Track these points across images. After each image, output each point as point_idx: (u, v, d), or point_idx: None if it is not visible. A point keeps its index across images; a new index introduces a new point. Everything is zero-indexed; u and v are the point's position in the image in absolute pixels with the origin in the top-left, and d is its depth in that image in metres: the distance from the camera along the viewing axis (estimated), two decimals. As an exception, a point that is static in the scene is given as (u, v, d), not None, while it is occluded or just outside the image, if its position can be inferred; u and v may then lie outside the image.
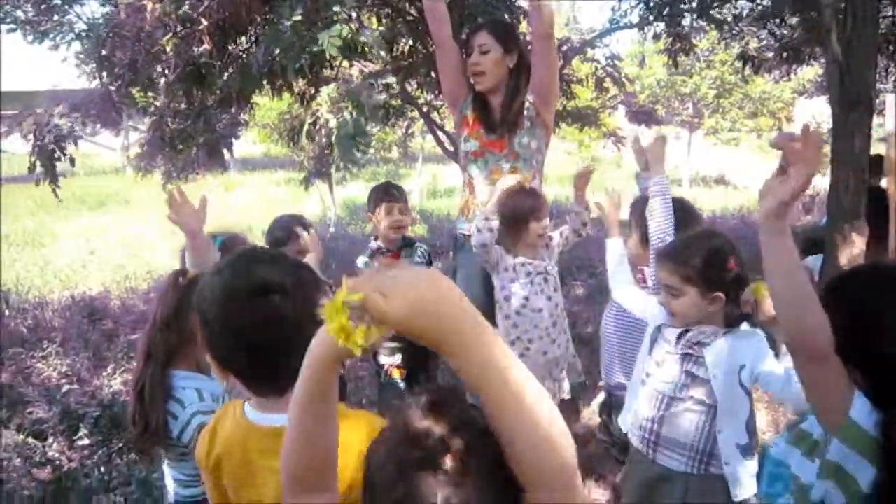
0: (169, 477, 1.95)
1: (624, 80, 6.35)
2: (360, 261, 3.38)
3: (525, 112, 3.02)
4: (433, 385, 0.86)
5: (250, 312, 1.20)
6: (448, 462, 0.81)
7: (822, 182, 9.62)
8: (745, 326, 2.00)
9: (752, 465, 1.95)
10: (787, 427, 1.47)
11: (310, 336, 1.01)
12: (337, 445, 0.99)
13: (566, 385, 2.96)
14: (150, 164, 4.27)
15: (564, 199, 12.47)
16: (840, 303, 1.29)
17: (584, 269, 6.91)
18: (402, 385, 3.48)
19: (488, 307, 2.90)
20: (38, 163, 3.19)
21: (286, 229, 2.91)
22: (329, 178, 10.04)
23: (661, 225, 2.33)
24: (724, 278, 1.90)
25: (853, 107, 3.67)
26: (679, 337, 2.03)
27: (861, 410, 1.25)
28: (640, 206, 2.61)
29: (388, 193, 3.28)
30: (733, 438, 1.94)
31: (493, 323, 2.89)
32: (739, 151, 20.52)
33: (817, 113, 13.32)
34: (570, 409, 3.18)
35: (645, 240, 2.49)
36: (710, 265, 1.89)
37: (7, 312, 6.01)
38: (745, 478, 1.95)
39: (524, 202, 2.73)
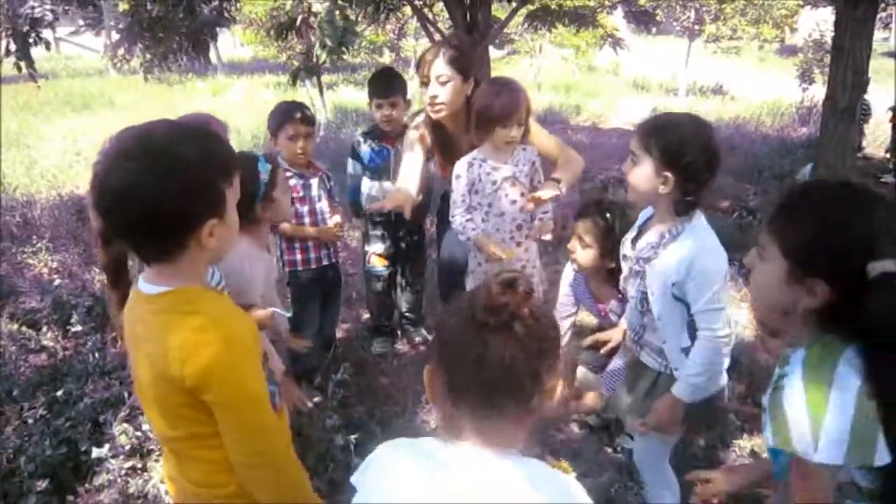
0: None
1: (624, -23, 6.12)
2: (359, 138, 3.53)
3: None
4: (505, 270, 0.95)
5: (129, 174, 1.16)
6: (517, 327, 1.01)
7: (819, 93, 9.49)
8: (697, 220, 1.95)
9: None
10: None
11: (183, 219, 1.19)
12: None
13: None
14: (127, 54, 4.11)
15: (559, 106, 12.29)
16: (803, 216, 1.26)
17: (584, 180, 6.88)
18: (382, 272, 3.55)
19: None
20: (10, 44, 3.05)
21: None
22: (318, 80, 9.79)
23: None
24: (680, 161, 1.85)
25: (857, 2, 3.58)
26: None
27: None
28: (593, 214, 2.58)
29: (379, 93, 3.37)
30: (676, 344, 2.01)
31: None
32: (739, 61, 20.09)
33: (821, 22, 12.94)
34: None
35: (604, 254, 2.55)
36: (673, 143, 1.86)
37: (-6, 209, 5.97)
38: None
39: (495, 106, 2.57)
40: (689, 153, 1.85)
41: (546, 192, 2.63)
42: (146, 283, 1.29)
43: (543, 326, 1.06)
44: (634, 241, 2.10)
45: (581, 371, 2.76)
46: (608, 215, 2.55)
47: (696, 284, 1.88)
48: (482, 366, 1.01)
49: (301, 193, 3.01)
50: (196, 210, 1.21)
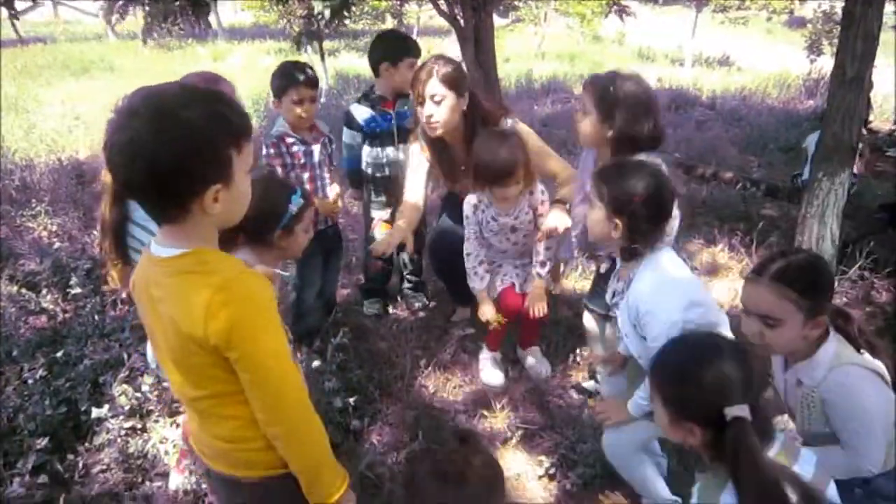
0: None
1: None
2: (355, 107, 3.39)
3: None
4: (463, 430, 1.56)
5: (145, 131, 1.16)
6: (469, 475, 1.34)
7: (827, 65, 9.34)
8: (651, 260, 2.03)
9: None
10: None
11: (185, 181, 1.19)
12: None
13: (528, 286, 3.02)
14: (122, 12, 4.03)
15: (562, 75, 12.15)
16: (666, 373, 1.49)
17: (578, 143, 6.82)
18: None
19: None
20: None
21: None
22: (320, 46, 9.67)
23: None
24: (627, 207, 1.98)
25: (870, -33, 3.49)
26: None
27: None
28: (600, 84, 2.47)
29: (414, 52, 3.30)
30: None
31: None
32: (746, 32, 19.82)
33: (832, -7, 12.74)
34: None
35: (604, 119, 2.42)
36: (622, 192, 1.99)
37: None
38: None
39: (492, 168, 2.65)
40: (636, 203, 1.97)
41: (559, 223, 2.76)
42: (159, 246, 1.29)
43: (492, 473, 1.39)
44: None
45: (587, 317, 2.78)
46: (611, 87, 2.44)
47: (644, 323, 1.99)
48: None
49: (303, 160, 2.98)
50: (199, 174, 1.20)
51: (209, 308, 1.20)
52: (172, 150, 1.15)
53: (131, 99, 1.20)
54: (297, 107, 2.90)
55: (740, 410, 1.34)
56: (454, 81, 2.82)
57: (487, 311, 2.96)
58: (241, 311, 1.23)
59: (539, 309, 2.92)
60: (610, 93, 2.39)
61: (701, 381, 1.41)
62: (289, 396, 1.33)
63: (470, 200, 2.90)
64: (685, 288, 2.03)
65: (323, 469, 1.41)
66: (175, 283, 1.26)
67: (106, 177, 1.92)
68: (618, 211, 2.00)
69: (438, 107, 2.83)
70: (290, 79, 2.90)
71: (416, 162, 3.12)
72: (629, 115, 2.36)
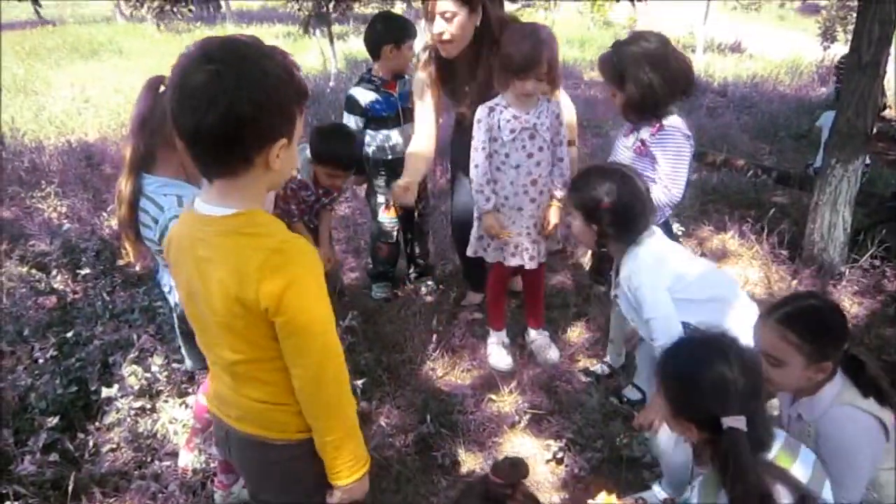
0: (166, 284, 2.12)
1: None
2: (357, 91, 3.30)
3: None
4: (510, 458, 1.64)
5: (219, 78, 1.13)
6: (518, 496, 1.53)
7: (840, 52, 9.21)
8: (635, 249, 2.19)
9: None
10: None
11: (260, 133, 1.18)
12: None
13: (543, 247, 2.90)
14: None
15: (572, 61, 12.05)
16: (670, 373, 1.56)
17: (589, 128, 6.78)
18: (390, 225, 3.51)
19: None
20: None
21: None
22: (329, 29, 9.62)
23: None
24: (595, 214, 2.18)
25: (888, -51, 3.44)
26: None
27: None
28: (607, 62, 2.60)
29: (406, 36, 3.23)
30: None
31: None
32: (759, 18, 19.60)
33: (846, -21, 12.52)
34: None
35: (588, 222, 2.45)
36: (588, 201, 2.19)
37: (2, 154, 5.94)
38: None
39: (514, 58, 2.49)
40: (602, 209, 2.15)
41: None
42: (208, 205, 1.26)
43: (532, 500, 1.59)
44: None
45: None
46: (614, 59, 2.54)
47: (635, 299, 2.15)
48: None
49: (305, 203, 3.01)
50: (271, 126, 1.19)
51: (263, 270, 1.19)
52: (252, 97, 1.14)
53: (203, 46, 1.17)
54: (330, 179, 2.92)
55: (735, 422, 1.38)
56: None
57: (493, 225, 2.74)
58: (295, 275, 1.21)
59: (551, 222, 2.80)
60: (616, 66, 2.53)
61: (701, 388, 1.46)
62: (328, 369, 1.30)
63: (484, 105, 2.68)
64: (668, 258, 2.17)
65: (343, 450, 1.37)
66: (226, 244, 1.24)
67: (125, 150, 1.92)
68: (589, 219, 2.20)
69: (449, 23, 2.67)
70: (330, 156, 2.87)
71: (421, 104, 3.00)
72: (636, 79, 2.48)
